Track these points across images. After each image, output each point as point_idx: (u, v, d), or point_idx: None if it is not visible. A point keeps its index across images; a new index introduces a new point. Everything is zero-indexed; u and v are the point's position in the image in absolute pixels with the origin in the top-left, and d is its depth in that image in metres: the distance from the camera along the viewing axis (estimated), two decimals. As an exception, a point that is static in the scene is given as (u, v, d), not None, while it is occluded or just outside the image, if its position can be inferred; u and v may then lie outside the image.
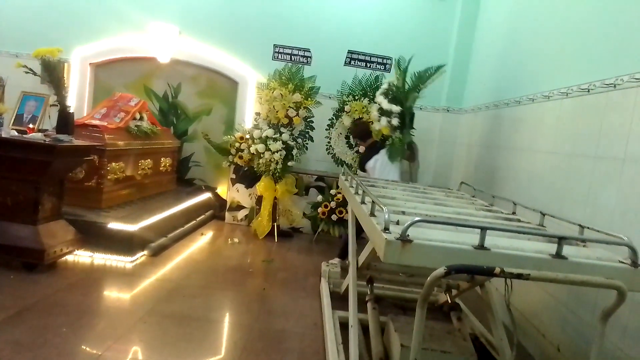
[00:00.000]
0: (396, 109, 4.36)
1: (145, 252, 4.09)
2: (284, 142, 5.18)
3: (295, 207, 5.68)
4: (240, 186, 5.73)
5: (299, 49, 5.48)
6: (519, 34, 4.29)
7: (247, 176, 5.63)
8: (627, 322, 2.21)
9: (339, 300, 3.39)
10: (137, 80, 6.22)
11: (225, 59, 6.10)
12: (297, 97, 5.23)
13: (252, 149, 5.25)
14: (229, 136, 5.54)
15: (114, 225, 3.92)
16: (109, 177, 4.32)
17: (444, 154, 5.96)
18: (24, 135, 3.47)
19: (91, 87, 6.22)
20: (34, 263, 3.30)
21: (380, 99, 4.55)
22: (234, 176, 5.73)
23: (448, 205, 2.74)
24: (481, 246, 1.65)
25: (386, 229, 1.68)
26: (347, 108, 5.49)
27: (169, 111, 6.28)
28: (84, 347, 2.46)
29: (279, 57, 5.50)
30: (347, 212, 4.92)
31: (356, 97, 5.48)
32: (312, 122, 5.57)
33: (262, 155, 5.18)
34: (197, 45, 6.06)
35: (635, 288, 1.66)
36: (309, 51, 5.48)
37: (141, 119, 5.06)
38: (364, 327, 2.72)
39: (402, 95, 4.45)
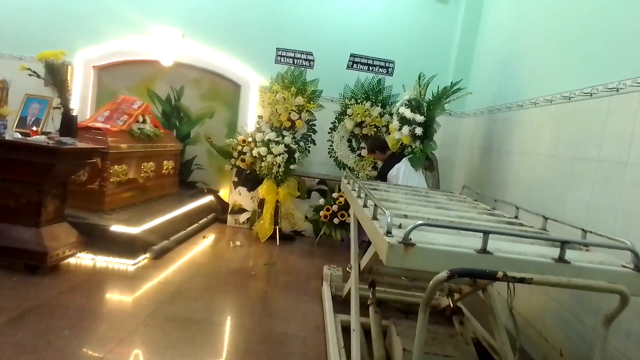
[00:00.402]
0: (420, 118, 4.45)
1: (148, 254, 4.09)
2: (286, 145, 5.19)
3: (297, 210, 5.68)
4: (242, 189, 5.74)
5: (302, 53, 5.50)
6: (522, 38, 4.29)
7: (250, 179, 5.63)
8: (630, 326, 2.20)
9: (341, 303, 3.39)
10: (140, 83, 6.24)
11: (228, 62, 6.11)
12: (300, 100, 5.24)
13: (255, 152, 5.25)
14: (231, 139, 5.55)
15: (117, 227, 3.93)
16: (111, 179, 4.33)
17: (446, 158, 5.95)
18: (27, 138, 3.48)
19: (94, 90, 6.24)
20: (36, 265, 3.31)
21: (402, 108, 4.63)
22: (236, 179, 5.74)
23: (450, 209, 2.74)
24: (484, 250, 1.65)
25: (388, 233, 1.68)
26: (349, 111, 5.49)
27: (171, 114, 6.30)
28: (86, 350, 2.46)
29: (282, 60, 5.51)
30: (349, 215, 4.92)
31: (358, 101, 5.49)
32: (315, 125, 5.59)
33: (264, 159, 5.19)
34: (200, 49, 6.08)
35: (638, 292, 1.66)
36: (312, 54, 5.49)
37: (144, 121, 5.07)
38: (366, 331, 2.71)
39: (426, 106, 4.57)
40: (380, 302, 3.02)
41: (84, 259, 3.78)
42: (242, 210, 5.81)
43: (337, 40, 6.01)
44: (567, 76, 3.21)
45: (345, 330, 2.83)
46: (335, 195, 5.42)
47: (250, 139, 5.39)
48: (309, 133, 5.56)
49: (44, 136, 3.56)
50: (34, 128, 4.42)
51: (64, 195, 3.64)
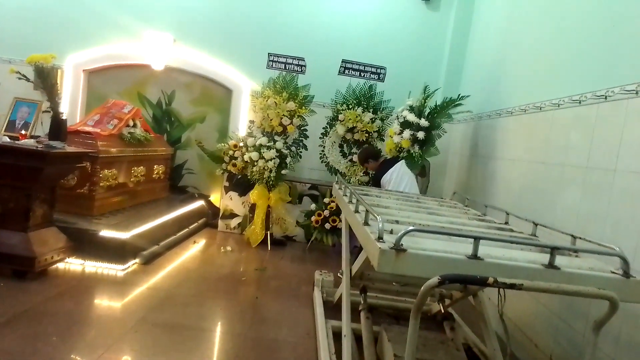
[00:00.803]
0: (424, 122, 4.54)
1: (137, 260, 4.05)
2: (277, 150, 5.18)
3: (289, 215, 5.67)
4: (233, 194, 5.72)
5: (294, 58, 5.50)
6: (512, 45, 4.34)
7: (241, 184, 5.61)
8: (620, 332, 2.22)
9: (332, 309, 3.38)
10: (131, 88, 6.21)
11: (219, 67, 6.11)
12: (291, 105, 5.24)
13: (246, 157, 5.24)
14: (222, 144, 5.54)
15: (106, 232, 3.89)
16: (101, 184, 4.29)
17: (437, 164, 5.97)
18: (16, 142, 3.44)
19: (84, 94, 6.20)
20: (24, 271, 3.26)
21: (406, 112, 4.73)
22: (227, 184, 5.71)
23: (441, 215, 2.75)
24: (474, 256, 1.66)
25: (380, 238, 1.69)
26: (341, 117, 5.50)
27: (162, 118, 6.27)
28: (75, 357, 2.43)
29: (274, 65, 5.51)
30: (340, 220, 4.92)
31: (350, 106, 5.50)
32: (306, 130, 5.58)
33: (255, 163, 5.18)
34: (191, 53, 6.07)
35: (627, 298, 1.68)
36: (304, 60, 5.50)
37: (134, 126, 5.04)
38: (357, 337, 2.71)
39: (429, 112, 4.71)
40: (371, 308, 3.02)
41: (73, 264, 3.73)
42: (233, 215, 5.78)
43: (329, 45, 6.04)
44: (556, 84, 3.25)
45: (337, 336, 2.83)
46: (326, 200, 5.42)
47: (241, 144, 5.38)
48: (300, 138, 5.56)
49: (32, 140, 3.52)
50: (23, 132, 4.38)
51: (53, 200, 3.61)
